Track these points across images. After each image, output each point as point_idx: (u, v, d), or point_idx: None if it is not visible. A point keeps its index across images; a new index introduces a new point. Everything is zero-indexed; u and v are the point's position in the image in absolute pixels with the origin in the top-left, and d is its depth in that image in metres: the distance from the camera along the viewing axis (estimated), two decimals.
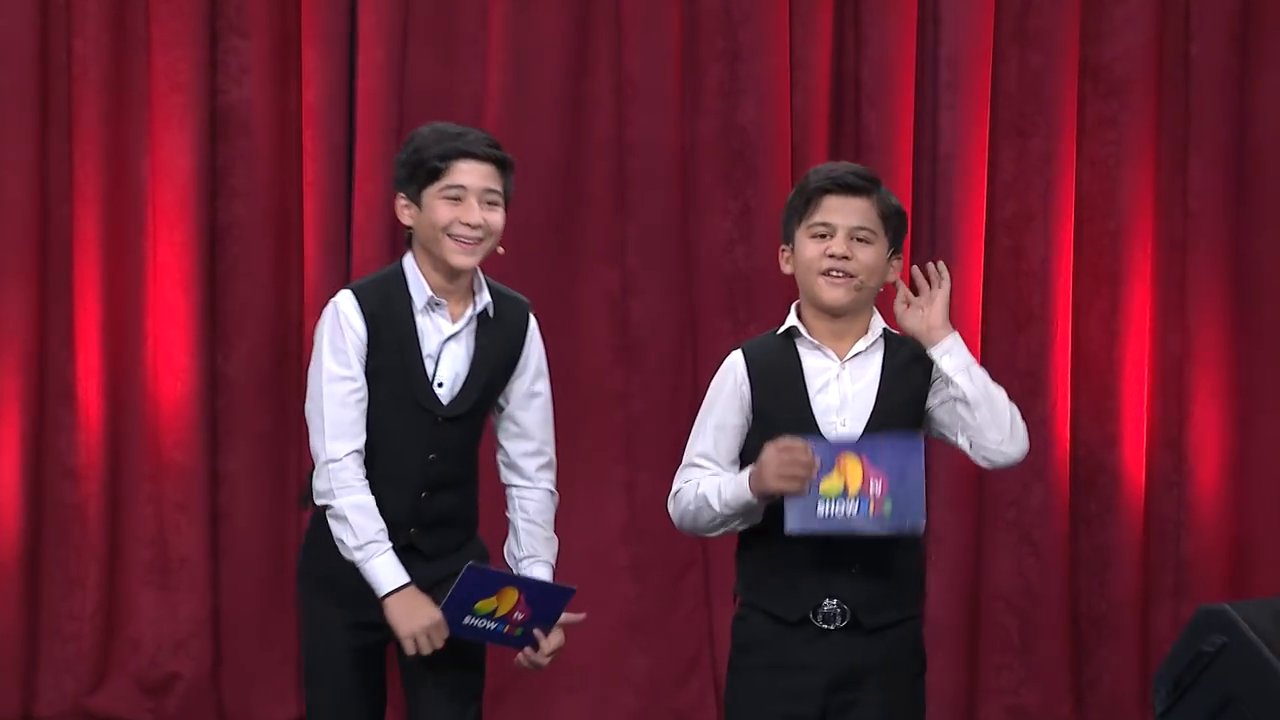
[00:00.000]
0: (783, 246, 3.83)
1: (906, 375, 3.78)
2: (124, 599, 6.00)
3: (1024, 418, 5.76)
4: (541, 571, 4.04)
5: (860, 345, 3.77)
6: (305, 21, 5.93)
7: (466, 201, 3.89)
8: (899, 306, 3.78)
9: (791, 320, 3.79)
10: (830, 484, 3.59)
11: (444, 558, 3.96)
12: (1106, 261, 5.97)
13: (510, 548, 4.08)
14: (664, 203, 5.96)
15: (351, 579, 3.91)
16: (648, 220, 5.97)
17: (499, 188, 3.93)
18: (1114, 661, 5.99)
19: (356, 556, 3.87)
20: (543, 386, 4.10)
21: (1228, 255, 5.97)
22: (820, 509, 3.60)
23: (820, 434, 3.69)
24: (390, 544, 3.88)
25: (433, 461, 3.94)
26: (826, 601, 3.70)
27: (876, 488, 3.60)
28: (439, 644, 3.87)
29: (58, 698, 5.99)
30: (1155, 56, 5.94)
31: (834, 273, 3.72)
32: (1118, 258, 5.97)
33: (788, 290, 3.95)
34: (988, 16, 5.93)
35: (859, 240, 3.73)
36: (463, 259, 3.90)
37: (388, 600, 3.86)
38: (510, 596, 3.87)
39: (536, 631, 3.93)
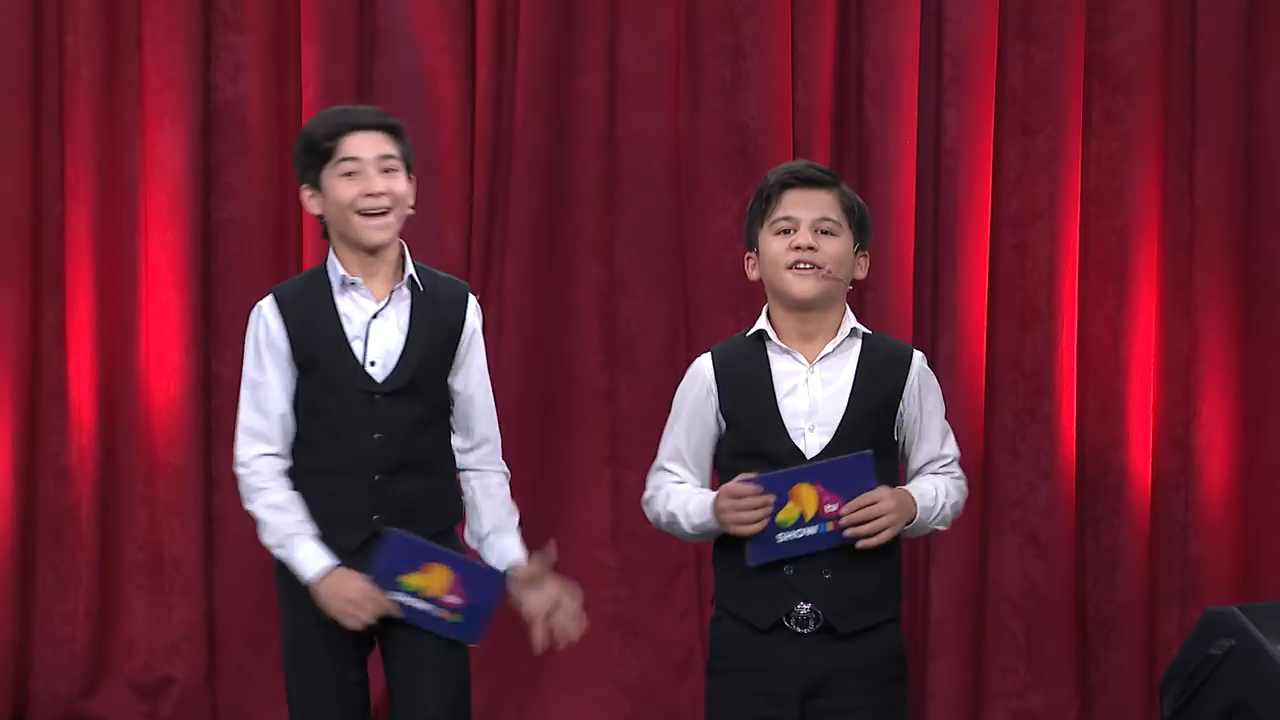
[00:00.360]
0: (748, 254, 3.83)
1: (880, 379, 3.77)
2: (117, 602, 5.97)
3: (1030, 418, 5.88)
4: (510, 541, 3.99)
5: (829, 347, 3.76)
6: (304, 18, 5.92)
7: (364, 172, 3.90)
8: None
9: (761, 323, 3.79)
10: (786, 513, 3.65)
11: None
12: (1113, 259, 5.91)
13: (472, 527, 4.05)
14: (656, 200, 5.95)
15: None
16: (639, 218, 5.96)
17: (395, 153, 3.94)
18: (1121, 664, 5.92)
19: (280, 554, 3.88)
20: (485, 371, 4.06)
21: (1235, 252, 5.88)
22: (779, 537, 3.66)
23: (789, 438, 3.71)
24: (313, 531, 3.87)
25: (379, 441, 3.90)
26: (800, 605, 3.69)
27: (833, 508, 3.64)
28: (375, 609, 3.82)
29: (51, 702, 5.95)
30: (1162, 52, 5.86)
31: (800, 264, 3.70)
32: (1124, 255, 5.89)
33: None
34: (992, 12, 5.87)
35: (824, 233, 3.73)
36: (376, 234, 3.91)
37: (317, 587, 3.85)
38: (439, 576, 3.82)
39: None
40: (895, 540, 3.75)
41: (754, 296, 5.69)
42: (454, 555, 3.89)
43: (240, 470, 3.94)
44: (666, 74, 5.91)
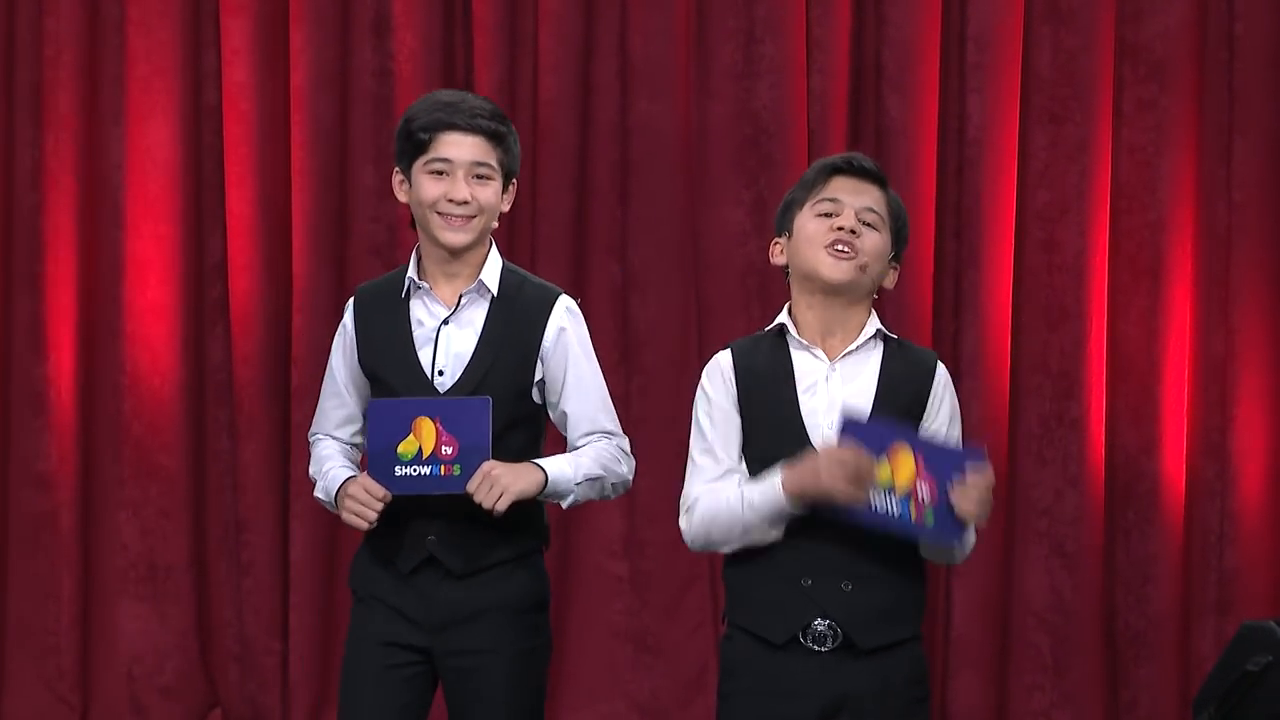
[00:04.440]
0: (776, 238, 3.75)
1: (905, 384, 3.68)
2: (104, 611, 5.89)
3: (1057, 422, 5.83)
4: (562, 462, 3.79)
5: (851, 345, 3.68)
6: (292, 1, 5.86)
7: (453, 176, 3.78)
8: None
9: (782, 318, 3.71)
10: (878, 472, 3.47)
11: (480, 577, 3.75)
12: (1145, 255, 5.83)
13: None
14: (667, 193, 5.89)
15: (387, 596, 3.80)
16: (650, 212, 5.89)
17: (491, 161, 3.80)
18: (1152, 681, 5.86)
19: (319, 488, 3.86)
20: (584, 376, 3.86)
21: (1275, 248, 5.80)
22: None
23: (806, 437, 3.59)
24: (344, 463, 3.86)
25: None
26: (817, 621, 3.58)
27: (924, 493, 3.49)
28: (374, 498, 3.70)
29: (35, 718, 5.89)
30: (1197, 36, 5.80)
31: (840, 246, 3.62)
32: (1157, 251, 5.82)
33: None
34: None
35: (867, 225, 3.66)
36: (453, 236, 3.78)
37: (338, 500, 3.80)
38: (427, 428, 3.69)
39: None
40: (917, 552, 3.64)
41: (767, 294, 5.79)
42: (429, 400, 3.74)
43: (310, 442, 3.97)
44: (675, 59, 5.84)
